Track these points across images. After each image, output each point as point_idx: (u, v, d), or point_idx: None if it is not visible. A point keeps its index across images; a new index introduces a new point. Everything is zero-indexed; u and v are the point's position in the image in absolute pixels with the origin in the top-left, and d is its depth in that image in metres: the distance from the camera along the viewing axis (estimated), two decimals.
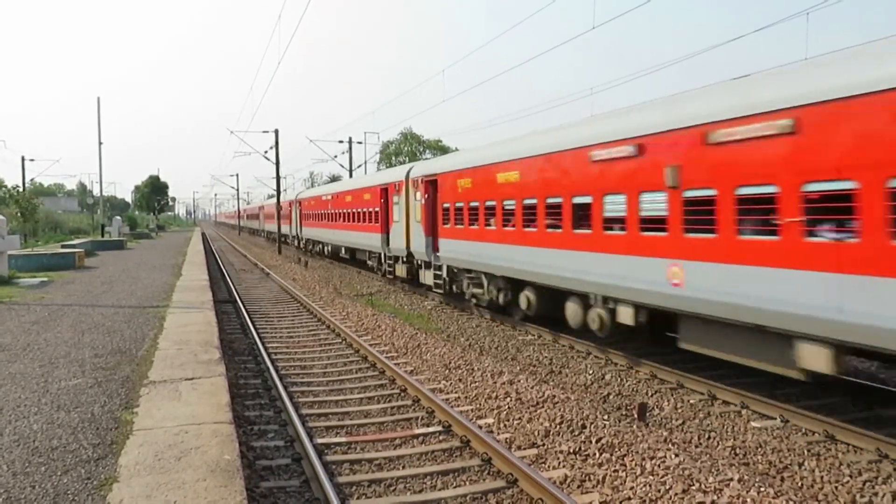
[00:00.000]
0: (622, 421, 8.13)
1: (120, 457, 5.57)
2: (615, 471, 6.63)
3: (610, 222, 10.87)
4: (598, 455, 7.03)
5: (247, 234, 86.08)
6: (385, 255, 23.91)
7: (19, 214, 46.89)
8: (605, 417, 8.14)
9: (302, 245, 44.12)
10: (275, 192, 46.71)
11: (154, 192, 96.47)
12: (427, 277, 19.71)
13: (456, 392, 9.80)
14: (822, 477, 6.77)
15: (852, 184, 6.95)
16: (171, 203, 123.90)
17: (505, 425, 8.22)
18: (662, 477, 6.34)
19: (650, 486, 6.19)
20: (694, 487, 6.08)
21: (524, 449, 7.43)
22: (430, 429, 8.17)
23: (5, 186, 52.32)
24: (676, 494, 5.99)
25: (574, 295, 12.04)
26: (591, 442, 7.38)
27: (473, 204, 15.98)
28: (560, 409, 8.45)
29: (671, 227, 9.48)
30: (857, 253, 6.95)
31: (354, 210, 28.08)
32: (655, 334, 11.89)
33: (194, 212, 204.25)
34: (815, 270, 7.34)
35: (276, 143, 43.29)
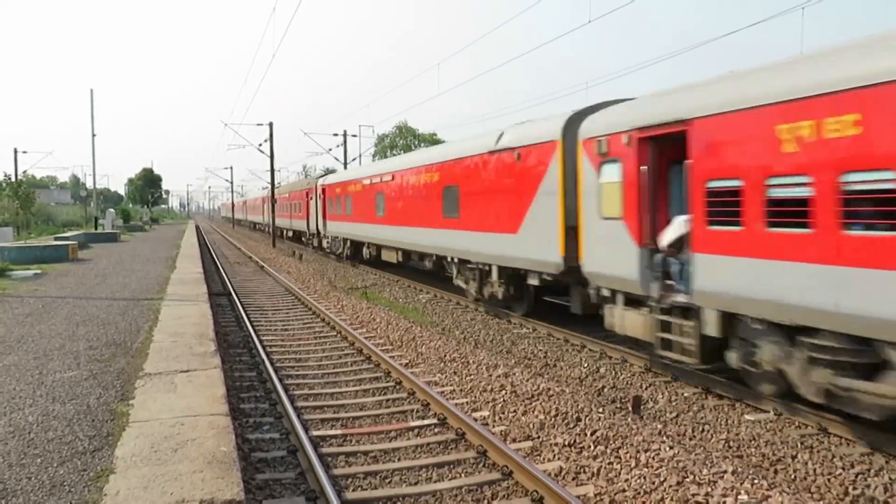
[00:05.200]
0: (617, 414, 8.17)
1: (116, 448, 5.57)
2: (610, 463, 6.67)
3: None
4: (592, 447, 7.07)
5: (246, 228, 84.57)
6: (548, 273, 12.99)
7: (17, 205, 46.76)
8: (600, 410, 8.18)
9: (326, 245, 34.06)
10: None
11: (147, 185, 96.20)
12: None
13: (451, 385, 9.83)
14: (814, 469, 6.82)
15: None
16: (164, 196, 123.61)
17: (500, 418, 8.25)
18: (657, 469, 6.38)
19: (644, 478, 6.23)
20: (688, 480, 6.12)
21: (519, 441, 7.46)
22: (426, 421, 8.19)
23: (5, 176, 52.16)
24: (671, 486, 6.02)
25: None
26: (585, 434, 7.41)
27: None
28: (555, 402, 8.48)
29: None
30: None
31: (425, 195, 18.81)
32: None
33: (188, 204, 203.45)
34: None
35: (271, 135, 43.20)
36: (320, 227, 34.78)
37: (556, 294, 14.73)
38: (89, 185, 64.03)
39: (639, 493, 5.99)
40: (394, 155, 68.60)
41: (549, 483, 5.92)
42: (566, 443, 7.23)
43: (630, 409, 8.60)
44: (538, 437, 7.49)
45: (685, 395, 9.43)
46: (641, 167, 10.08)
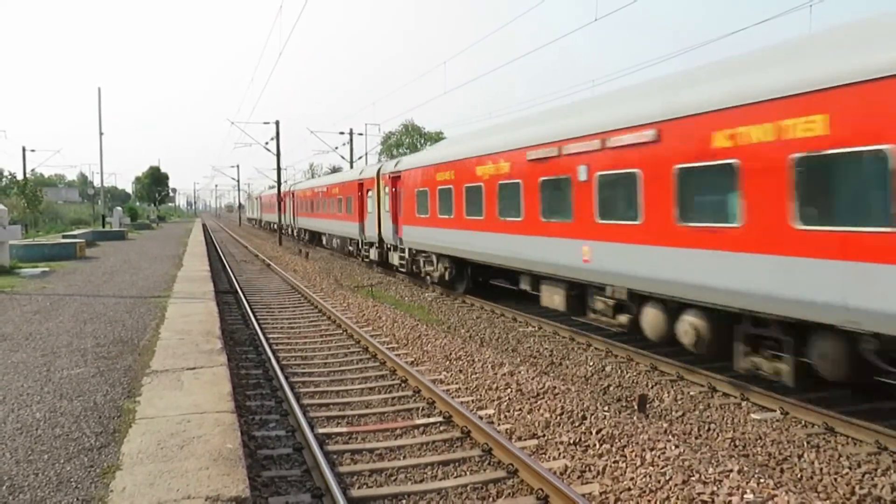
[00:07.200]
0: (622, 412, 8.15)
1: (122, 445, 5.59)
2: (615, 461, 6.66)
3: None
4: (598, 446, 7.06)
5: (249, 225, 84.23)
6: None
7: (25, 204, 46.98)
8: (606, 409, 8.17)
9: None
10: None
11: (154, 183, 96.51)
12: None
13: (456, 383, 9.83)
14: (821, 469, 6.80)
15: None
16: (171, 194, 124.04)
17: (505, 416, 8.25)
18: (662, 468, 6.37)
19: (650, 476, 6.22)
20: (694, 478, 6.10)
21: (525, 440, 7.46)
22: (431, 419, 8.20)
23: (10, 176, 52.61)
24: (676, 485, 6.01)
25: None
26: (591, 433, 7.40)
27: None
28: (560, 401, 8.47)
29: None
30: None
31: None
32: None
33: (195, 203, 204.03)
34: None
35: (277, 134, 43.26)
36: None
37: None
38: (97, 183, 64.36)
39: (644, 492, 5.98)
40: (400, 154, 68.73)
41: (555, 481, 5.91)
42: (571, 441, 7.23)
43: (636, 407, 8.59)
44: (543, 436, 7.49)
45: (691, 393, 9.40)
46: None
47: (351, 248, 30.40)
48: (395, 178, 22.18)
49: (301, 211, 43.92)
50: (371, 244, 26.07)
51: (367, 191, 26.11)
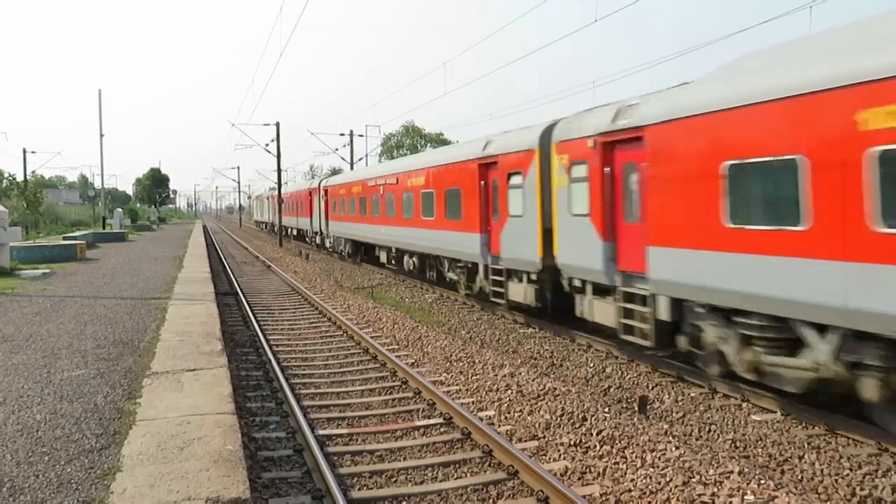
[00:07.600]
0: (623, 414, 8.15)
1: (123, 447, 5.60)
2: (616, 463, 6.65)
3: None
4: (598, 447, 7.05)
5: (253, 229, 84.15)
6: None
7: (25, 206, 47.10)
8: (606, 410, 8.16)
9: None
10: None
11: (155, 185, 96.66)
12: None
13: (457, 384, 9.83)
14: (822, 470, 6.79)
15: None
16: (172, 195, 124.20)
17: (506, 417, 8.24)
18: (663, 469, 6.37)
19: (650, 478, 6.21)
20: (694, 480, 6.10)
21: (525, 441, 7.45)
22: (431, 421, 8.20)
23: (10, 178, 52.77)
24: (677, 487, 6.00)
25: None
26: (591, 434, 7.40)
27: None
28: (561, 402, 8.47)
29: None
30: None
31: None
32: None
33: (195, 204, 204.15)
34: None
35: (278, 135, 43.37)
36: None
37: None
38: (98, 184, 64.47)
39: (644, 493, 5.97)
40: (401, 155, 68.74)
41: (555, 483, 5.91)
42: (572, 442, 7.22)
43: (636, 408, 8.58)
44: (544, 437, 7.48)
45: (691, 395, 9.40)
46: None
47: (454, 274, 18.21)
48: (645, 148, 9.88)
49: (337, 213, 31.86)
50: (514, 273, 14.50)
51: (509, 175, 14.43)
